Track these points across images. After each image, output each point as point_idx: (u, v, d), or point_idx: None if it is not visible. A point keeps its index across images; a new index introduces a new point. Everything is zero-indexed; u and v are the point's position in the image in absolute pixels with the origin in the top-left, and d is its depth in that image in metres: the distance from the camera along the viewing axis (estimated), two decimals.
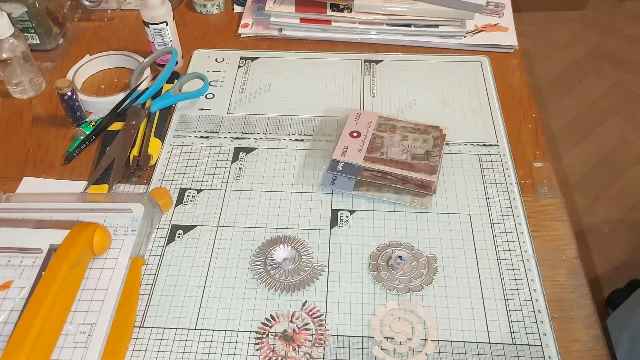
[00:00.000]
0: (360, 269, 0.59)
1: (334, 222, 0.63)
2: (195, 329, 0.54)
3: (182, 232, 0.62)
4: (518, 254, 0.60)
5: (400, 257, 0.58)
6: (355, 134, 0.71)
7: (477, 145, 0.72)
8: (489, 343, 0.53)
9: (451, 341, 0.53)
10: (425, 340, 0.53)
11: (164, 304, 0.56)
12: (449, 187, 0.67)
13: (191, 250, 0.61)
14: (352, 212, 0.64)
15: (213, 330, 0.54)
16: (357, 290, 0.57)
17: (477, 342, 0.53)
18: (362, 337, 0.54)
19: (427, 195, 0.65)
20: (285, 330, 0.54)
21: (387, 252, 0.60)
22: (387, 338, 0.53)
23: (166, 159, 0.71)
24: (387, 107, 0.77)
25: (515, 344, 0.53)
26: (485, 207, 0.64)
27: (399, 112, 0.77)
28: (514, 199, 0.65)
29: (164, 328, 0.54)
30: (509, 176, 0.68)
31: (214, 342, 0.53)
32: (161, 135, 0.73)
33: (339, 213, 0.64)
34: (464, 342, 0.53)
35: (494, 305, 0.55)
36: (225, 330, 0.54)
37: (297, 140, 0.73)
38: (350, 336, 0.54)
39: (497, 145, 0.71)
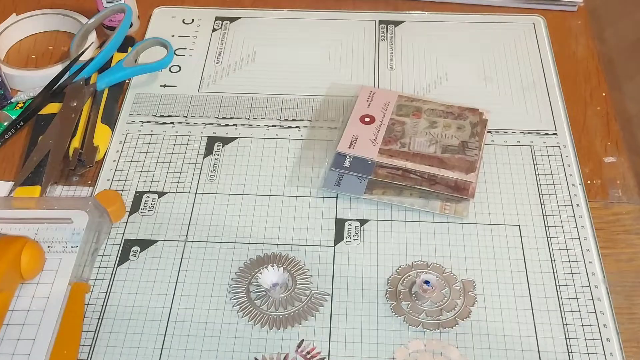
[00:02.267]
0: (375, 298, 0.59)
1: (339, 236, 0.63)
2: None
3: (138, 248, 0.63)
4: (583, 278, 0.60)
5: (427, 282, 0.58)
6: (367, 119, 0.71)
7: (530, 134, 0.72)
8: None
9: None
10: None
11: (114, 343, 0.56)
12: (491, 189, 0.67)
13: (151, 273, 0.61)
14: (363, 222, 0.64)
15: None
16: (370, 326, 0.57)
17: None
18: None
19: (463, 201, 0.65)
20: None
21: (409, 275, 0.60)
22: None
23: (117, 152, 0.71)
24: (410, 83, 0.77)
25: None
26: (540, 216, 0.64)
27: (425, 90, 0.77)
28: (577, 205, 0.65)
29: None
30: (571, 175, 0.68)
31: None
32: (111, 120, 0.73)
33: (347, 224, 0.64)
34: None
35: (551, 346, 0.56)
36: None
37: (290, 127, 0.73)
38: None
39: (556, 134, 0.72)
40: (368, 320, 0.58)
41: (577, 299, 0.59)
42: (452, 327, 0.57)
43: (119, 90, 0.77)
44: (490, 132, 0.72)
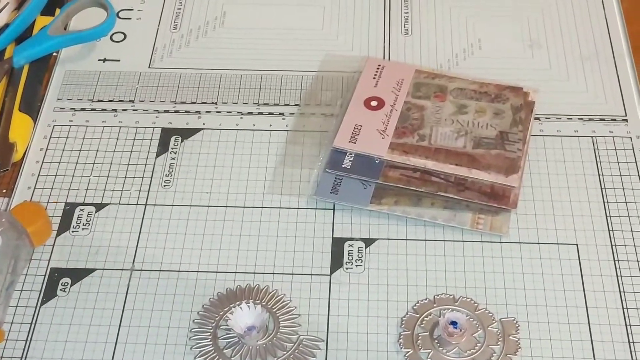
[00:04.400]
0: (384, 346, 0.58)
1: (337, 262, 0.63)
2: None
3: (68, 281, 0.62)
4: None
5: (454, 323, 0.57)
6: (374, 103, 0.70)
7: (591, 120, 0.71)
8: None
9: None
10: None
11: None
12: (539, 196, 0.66)
13: (85, 314, 0.60)
14: (368, 242, 0.64)
15: None
16: None
17: None
18: None
19: (502, 212, 0.64)
20: None
21: (430, 314, 0.60)
22: None
23: (41, 150, 0.70)
24: (431, 53, 0.77)
25: None
26: (604, 231, 0.64)
27: (451, 62, 0.76)
28: None
29: None
30: None
31: None
32: (32, 108, 0.73)
33: (347, 245, 0.64)
34: None
35: None
36: None
37: (272, 115, 0.73)
38: None
39: (626, 120, 0.71)
40: None
41: None
42: None
43: (43, 67, 0.76)
44: (538, 118, 0.71)
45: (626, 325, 0.59)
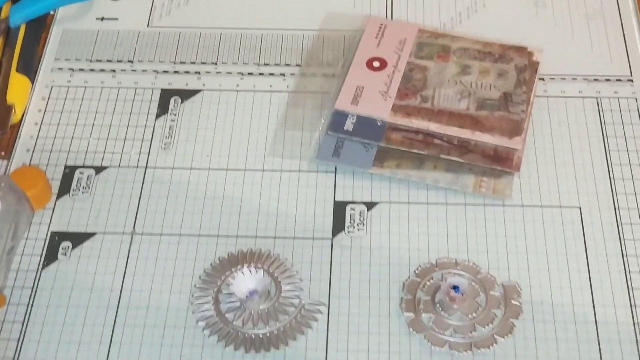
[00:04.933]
0: (386, 310, 0.58)
1: (339, 225, 0.63)
2: None
3: (69, 244, 0.62)
4: None
5: (455, 287, 0.58)
6: (376, 64, 0.70)
7: (596, 80, 0.71)
8: None
9: None
10: None
11: None
12: (543, 158, 0.66)
13: (87, 278, 0.60)
14: (370, 206, 0.64)
15: None
16: (380, 348, 0.57)
17: None
18: None
19: (505, 175, 0.64)
20: None
21: (432, 278, 0.60)
22: None
23: (40, 112, 0.70)
24: (434, 12, 0.76)
25: None
26: (608, 194, 0.64)
27: (454, 21, 0.75)
28: None
29: None
30: None
31: None
32: (30, 69, 0.72)
33: (349, 208, 0.64)
34: None
35: None
36: None
37: (272, 75, 0.72)
38: None
39: (631, 80, 0.71)
40: (377, 339, 0.57)
41: None
42: (488, 348, 0.56)
43: (40, 26, 0.76)
44: (542, 79, 0.71)
45: (628, 288, 0.59)
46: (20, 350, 0.57)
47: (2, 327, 0.58)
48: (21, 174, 0.63)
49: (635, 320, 0.57)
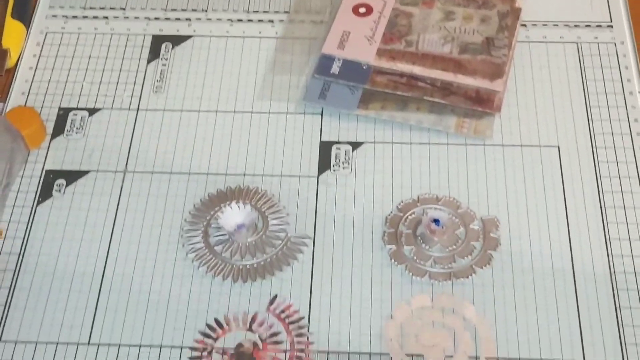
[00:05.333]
0: (369, 242, 0.60)
1: (324, 164, 0.64)
2: (88, 343, 0.56)
3: (63, 182, 0.63)
4: None
5: (436, 221, 0.59)
6: (362, 10, 0.71)
7: (576, 26, 0.72)
8: None
9: (519, 359, 0.55)
10: (476, 358, 0.55)
11: (35, 303, 0.58)
12: (523, 100, 0.67)
13: (80, 214, 0.62)
14: (355, 145, 0.65)
15: (118, 345, 0.56)
16: (363, 278, 0.58)
17: None
18: (370, 354, 0.55)
19: (486, 116, 0.65)
20: (240, 345, 0.55)
21: (414, 213, 0.61)
22: (412, 356, 0.55)
23: (34, 56, 0.71)
24: None
25: None
26: (586, 134, 0.65)
27: None
28: (635, 120, 0.65)
29: (36, 342, 0.56)
30: (628, 80, 0.68)
31: None
32: (24, 15, 0.73)
33: (334, 148, 0.65)
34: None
35: (594, 301, 0.57)
36: (139, 346, 0.56)
37: (261, 22, 0.73)
38: (349, 353, 0.55)
39: (611, 26, 0.72)
40: (360, 270, 0.59)
41: (629, 239, 0.59)
42: (467, 278, 0.58)
43: None
44: (524, 24, 0.71)
45: (603, 223, 0.60)
46: (16, 280, 0.59)
47: None
48: (16, 114, 0.65)
49: (609, 253, 0.59)
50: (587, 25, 0.71)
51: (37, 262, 0.59)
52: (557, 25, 0.72)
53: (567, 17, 0.72)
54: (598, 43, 0.70)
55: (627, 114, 0.66)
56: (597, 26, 0.71)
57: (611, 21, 0.72)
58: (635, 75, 0.68)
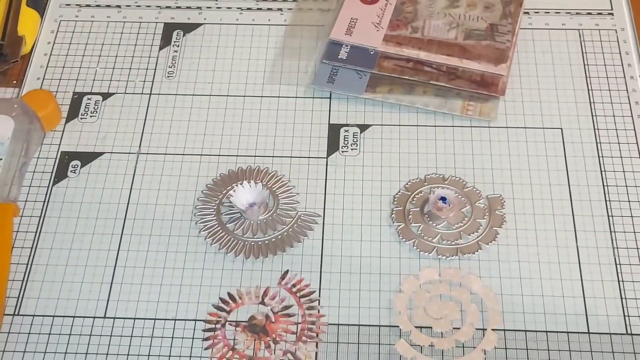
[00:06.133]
0: (377, 220, 0.61)
1: (333, 146, 0.65)
2: (104, 317, 0.57)
3: (78, 163, 0.65)
4: None
5: (443, 198, 0.60)
6: None
7: (578, 14, 0.73)
8: (588, 333, 0.55)
9: (525, 331, 0.56)
10: (483, 330, 0.56)
11: (52, 278, 0.59)
12: (527, 84, 0.68)
13: (95, 193, 0.63)
14: (363, 128, 0.66)
15: (134, 319, 0.57)
16: (372, 254, 0.60)
17: (567, 332, 0.55)
18: (379, 326, 0.56)
19: (491, 99, 0.67)
20: (252, 318, 0.57)
21: (421, 192, 0.62)
22: (421, 328, 0.56)
23: (49, 44, 0.72)
24: None
25: (632, 334, 0.55)
26: (588, 116, 0.66)
27: None
28: (636, 103, 0.67)
29: (53, 316, 0.57)
30: (629, 65, 0.69)
31: (135, 339, 0.56)
32: (39, 3, 0.74)
33: (343, 130, 0.66)
34: (546, 332, 0.56)
35: (597, 274, 0.58)
36: (154, 319, 0.57)
37: (270, 10, 0.74)
38: (359, 325, 0.56)
39: (612, 13, 0.73)
40: (369, 246, 0.60)
41: (631, 216, 0.61)
42: (473, 253, 0.59)
43: None
44: (527, 12, 0.73)
45: (606, 200, 0.61)
46: (33, 257, 0.60)
47: (16, 235, 0.61)
48: (32, 96, 0.66)
49: (612, 229, 0.60)
50: (588, 13, 0.73)
51: (54, 239, 0.61)
52: (559, 12, 0.73)
53: (568, 4, 0.73)
54: (599, 30, 0.71)
55: (628, 97, 0.67)
56: (598, 14, 0.73)
57: (612, 9, 0.73)
58: (635, 60, 0.69)
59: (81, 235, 0.61)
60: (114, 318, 0.57)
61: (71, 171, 0.64)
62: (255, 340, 0.55)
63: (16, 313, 0.57)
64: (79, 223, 0.61)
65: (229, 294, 0.58)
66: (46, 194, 0.63)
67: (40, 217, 0.62)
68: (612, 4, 0.73)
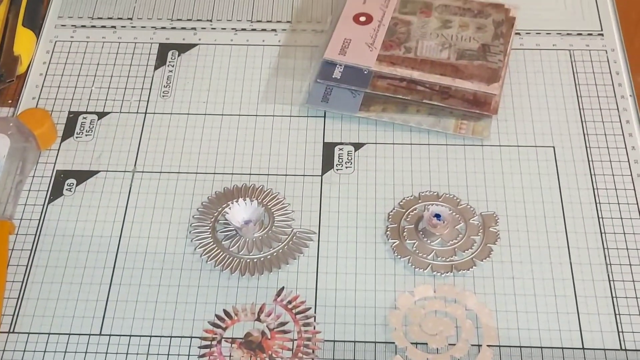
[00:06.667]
0: (372, 237, 0.62)
1: (328, 164, 0.66)
2: (99, 334, 0.57)
3: (74, 181, 0.65)
4: (633, 210, 0.62)
5: (437, 215, 0.61)
6: (363, 19, 0.73)
7: (569, 35, 0.74)
8: (583, 349, 0.56)
9: (520, 347, 0.56)
10: (478, 346, 0.56)
11: (47, 295, 0.59)
12: (519, 104, 0.69)
13: (90, 212, 0.63)
14: (357, 146, 0.67)
15: (129, 336, 0.57)
16: (367, 271, 0.60)
17: (562, 348, 0.56)
18: (375, 342, 0.56)
19: (484, 118, 0.67)
20: (249, 334, 0.57)
21: (415, 209, 0.63)
22: (416, 344, 0.56)
23: (44, 63, 0.73)
24: None
25: (626, 350, 0.56)
26: (579, 135, 0.67)
27: None
28: (627, 122, 0.67)
29: (48, 334, 0.57)
30: (619, 85, 0.70)
31: (131, 356, 0.56)
32: (35, 24, 0.75)
33: (337, 149, 0.67)
34: (541, 347, 0.56)
35: (591, 290, 0.58)
36: (150, 336, 0.57)
37: (264, 31, 0.75)
38: (355, 342, 0.56)
39: (602, 34, 0.74)
40: (364, 263, 0.60)
41: (624, 233, 0.61)
42: (468, 270, 0.59)
43: None
44: (518, 33, 0.74)
45: (599, 217, 0.62)
46: (28, 275, 0.60)
47: (11, 253, 0.61)
48: (28, 115, 0.66)
49: (605, 245, 0.60)
50: (578, 34, 0.74)
51: (49, 257, 0.61)
52: (550, 33, 0.74)
53: (559, 26, 0.74)
54: (590, 50, 0.72)
55: (619, 116, 0.68)
56: (589, 34, 0.74)
57: (602, 30, 0.74)
58: (625, 79, 0.70)
59: (76, 253, 0.61)
60: (110, 335, 0.57)
61: (67, 189, 0.64)
62: (251, 357, 0.55)
63: (11, 331, 0.57)
64: (74, 241, 0.61)
65: (225, 311, 0.58)
66: (42, 212, 0.63)
67: (35, 235, 0.62)
68: (602, 25, 0.74)
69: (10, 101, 0.70)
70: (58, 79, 0.71)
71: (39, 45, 0.74)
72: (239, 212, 0.62)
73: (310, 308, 0.58)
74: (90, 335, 0.57)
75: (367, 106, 0.68)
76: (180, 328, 0.57)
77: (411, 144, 0.67)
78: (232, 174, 0.65)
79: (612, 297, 0.58)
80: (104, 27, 0.75)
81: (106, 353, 0.56)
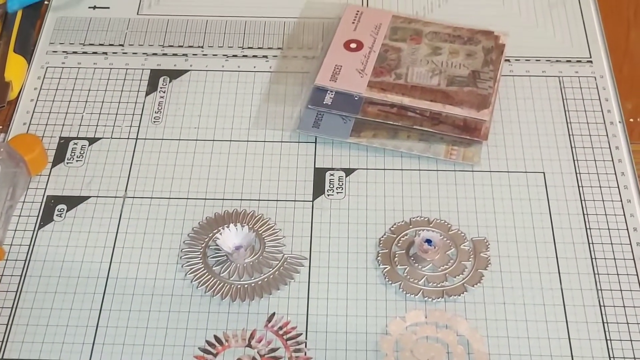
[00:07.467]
0: (363, 263, 0.61)
1: (319, 189, 0.66)
2: None
3: (64, 207, 0.65)
4: (623, 235, 0.63)
5: (428, 241, 0.61)
6: (353, 46, 0.73)
7: (558, 62, 0.75)
8: None
9: None
10: None
11: (36, 322, 0.58)
12: (509, 129, 0.70)
13: (81, 237, 0.63)
14: (348, 172, 0.67)
15: None
16: (358, 296, 0.60)
17: None
18: None
19: (474, 144, 0.68)
20: None
21: (406, 234, 0.63)
22: None
23: (35, 89, 0.73)
24: (407, 3, 0.80)
25: None
26: (569, 161, 0.67)
27: (426, 9, 0.79)
28: (616, 148, 0.68)
29: None
30: (609, 111, 0.71)
31: None
32: (26, 50, 0.75)
33: (328, 174, 0.67)
34: None
35: (582, 316, 0.58)
36: None
37: (255, 57, 0.75)
38: None
39: (591, 61, 0.75)
40: (355, 288, 0.60)
41: (614, 259, 0.61)
42: (459, 295, 0.59)
43: (35, 13, 0.78)
44: (508, 60, 0.74)
45: (589, 243, 0.62)
46: (17, 301, 0.59)
47: (1, 279, 0.60)
48: (19, 140, 0.66)
49: (595, 271, 0.61)
50: (568, 61, 0.74)
51: (39, 283, 0.60)
52: (539, 60, 0.75)
53: (549, 53, 0.75)
54: (579, 77, 0.73)
55: (609, 142, 0.68)
56: (578, 61, 0.74)
57: (591, 57, 0.75)
58: (614, 106, 0.71)
59: (66, 279, 0.60)
60: None
61: (57, 215, 0.64)
62: None
63: (1, 357, 0.56)
64: (64, 267, 0.61)
65: (216, 337, 0.57)
66: (32, 238, 0.63)
67: (25, 260, 0.62)
68: (591, 52, 0.75)
69: (1, 127, 0.70)
70: (49, 105, 0.72)
71: (30, 71, 0.74)
72: (230, 237, 0.62)
73: (301, 334, 0.58)
74: None
75: (358, 132, 0.68)
76: (170, 354, 0.57)
77: (402, 169, 0.67)
78: (223, 199, 0.65)
79: (603, 323, 0.58)
80: (95, 53, 0.76)
81: None
